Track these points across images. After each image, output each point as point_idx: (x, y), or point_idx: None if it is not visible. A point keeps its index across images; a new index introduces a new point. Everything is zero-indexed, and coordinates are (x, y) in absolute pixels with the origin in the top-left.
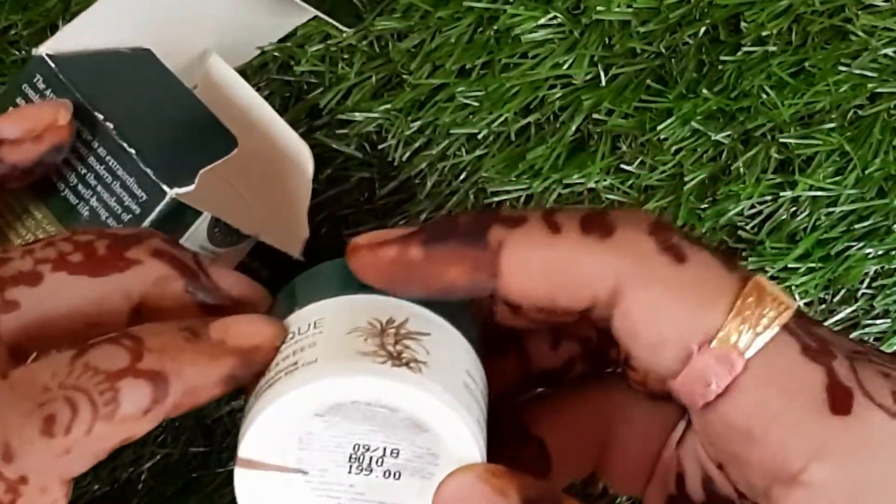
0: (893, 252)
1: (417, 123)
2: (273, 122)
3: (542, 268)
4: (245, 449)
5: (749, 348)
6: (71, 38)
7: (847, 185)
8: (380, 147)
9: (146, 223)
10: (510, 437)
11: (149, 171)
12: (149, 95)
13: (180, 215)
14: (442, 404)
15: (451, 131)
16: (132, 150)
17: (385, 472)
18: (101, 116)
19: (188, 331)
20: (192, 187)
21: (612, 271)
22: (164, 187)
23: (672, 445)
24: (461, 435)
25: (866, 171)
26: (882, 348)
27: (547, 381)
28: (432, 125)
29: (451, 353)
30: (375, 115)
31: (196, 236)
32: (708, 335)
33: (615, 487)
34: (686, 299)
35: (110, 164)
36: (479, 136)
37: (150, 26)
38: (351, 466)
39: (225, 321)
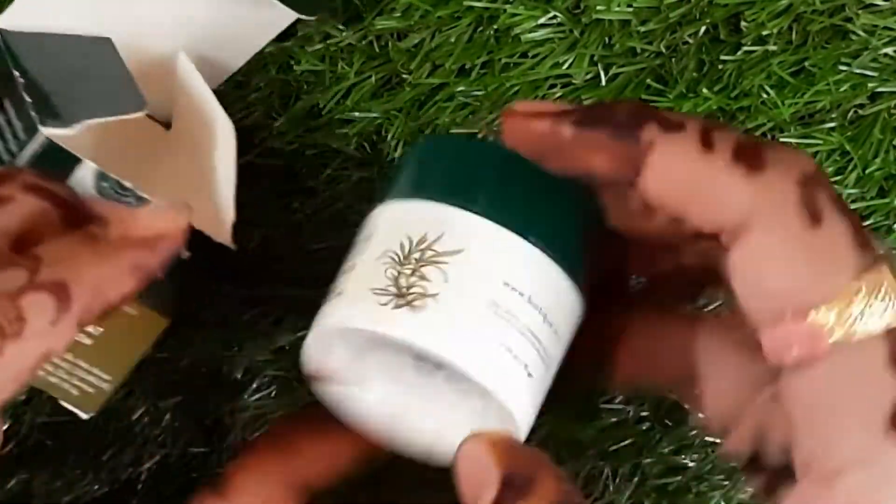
0: (894, 252)
1: (417, 123)
2: (203, 99)
3: (685, 180)
4: (306, 365)
5: (842, 334)
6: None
7: (847, 185)
8: (379, 146)
9: (22, 162)
10: (588, 348)
11: (29, 101)
12: (81, 68)
13: (59, 160)
14: (443, 341)
15: (451, 131)
16: (22, 81)
17: (446, 377)
18: (16, 74)
19: (86, 236)
20: (69, 131)
21: (747, 206)
22: (39, 126)
23: (759, 403)
24: (478, 364)
25: (867, 171)
26: None
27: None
28: (432, 125)
29: (481, 271)
30: (375, 114)
31: (79, 187)
32: (809, 305)
33: (707, 423)
34: (804, 263)
35: (5, 106)
36: (479, 136)
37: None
38: (417, 368)
39: (123, 216)
